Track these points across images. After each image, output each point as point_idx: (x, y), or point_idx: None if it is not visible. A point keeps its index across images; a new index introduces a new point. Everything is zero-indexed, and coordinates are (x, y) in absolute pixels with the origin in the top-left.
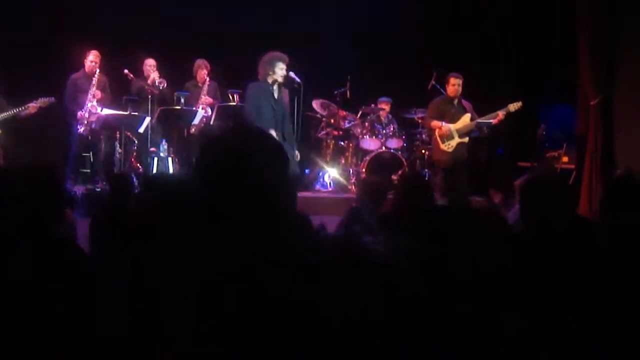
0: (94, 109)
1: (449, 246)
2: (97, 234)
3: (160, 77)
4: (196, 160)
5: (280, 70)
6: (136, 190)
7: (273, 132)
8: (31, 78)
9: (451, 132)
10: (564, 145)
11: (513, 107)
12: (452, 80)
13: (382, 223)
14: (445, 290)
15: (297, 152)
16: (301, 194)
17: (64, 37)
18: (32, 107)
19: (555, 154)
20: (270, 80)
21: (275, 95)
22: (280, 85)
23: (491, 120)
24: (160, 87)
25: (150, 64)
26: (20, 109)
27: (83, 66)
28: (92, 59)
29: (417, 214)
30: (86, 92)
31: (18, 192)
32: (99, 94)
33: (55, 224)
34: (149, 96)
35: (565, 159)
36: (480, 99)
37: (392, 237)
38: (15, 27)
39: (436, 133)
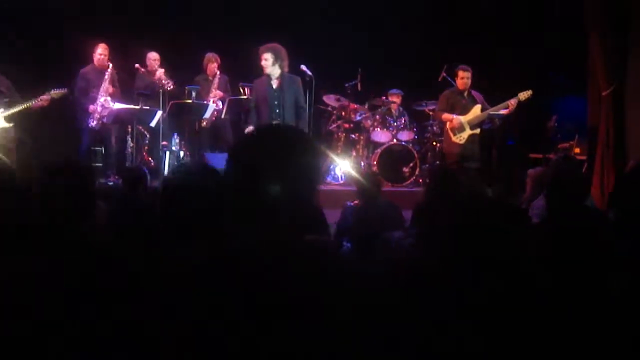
0: (107, 103)
1: (475, 237)
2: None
3: (167, 77)
4: (231, 162)
5: (260, 62)
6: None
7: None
8: (44, 73)
9: (462, 124)
10: (576, 136)
11: (523, 95)
12: (461, 73)
13: (416, 216)
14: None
15: None
16: None
17: (75, 31)
18: (44, 99)
19: (567, 145)
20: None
21: (274, 86)
22: (283, 75)
23: (502, 111)
24: (168, 89)
25: (153, 57)
26: (32, 102)
27: (92, 60)
28: (100, 52)
29: (448, 206)
30: (97, 86)
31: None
32: (111, 88)
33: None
34: (160, 90)
35: (577, 150)
36: (490, 91)
37: (425, 231)
38: (27, 22)
39: (447, 126)
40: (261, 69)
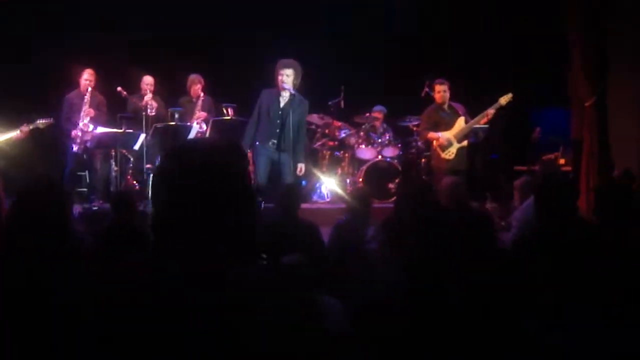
0: (86, 127)
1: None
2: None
3: (155, 101)
4: (157, 172)
5: (279, 77)
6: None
7: (271, 143)
8: (30, 100)
9: (449, 140)
10: (560, 147)
11: (504, 99)
12: (437, 87)
13: (385, 230)
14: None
15: (300, 165)
16: None
17: (60, 57)
18: (25, 131)
19: (552, 156)
20: (278, 87)
21: (281, 103)
22: (294, 95)
23: (482, 121)
24: (152, 112)
25: (147, 82)
26: (15, 132)
27: (78, 85)
28: (86, 77)
29: (421, 220)
30: (80, 110)
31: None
32: (91, 111)
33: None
34: (143, 114)
35: (562, 161)
36: (473, 104)
37: (391, 245)
38: (13, 48)
39: (435, 144)
40: (276, 84)
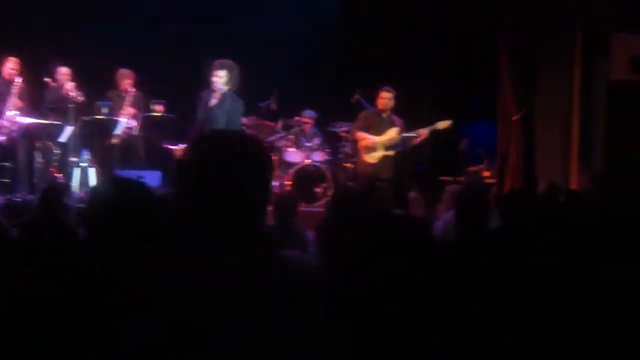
0: (15, 118)
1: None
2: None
3: (76, 90)
4: (179, 169)
5: (212, 77)
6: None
7: None
8: None
9: (375, 144)
10: (485, 160)
11: (442, 125)
12: (383, 94)
13: (317, 236)
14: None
15: None
16: None
17: None
18: None
19: (476, 168)
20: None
21: (210, 102)
22: (225, 93)
23: (413, 135)
24: (80, 100)
25: (63, 72)
26: None
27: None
28: (11, 66)
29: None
30: (4, 100)
31: None
32: (20, 103)
33: None
34: (70, 105)
35: (486, 173)
36: (403, 115)
37: (326, 250)
38: None
39: (360, 144)
40: (209, 84)
